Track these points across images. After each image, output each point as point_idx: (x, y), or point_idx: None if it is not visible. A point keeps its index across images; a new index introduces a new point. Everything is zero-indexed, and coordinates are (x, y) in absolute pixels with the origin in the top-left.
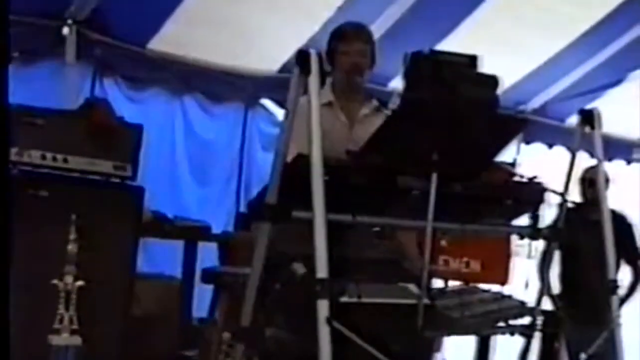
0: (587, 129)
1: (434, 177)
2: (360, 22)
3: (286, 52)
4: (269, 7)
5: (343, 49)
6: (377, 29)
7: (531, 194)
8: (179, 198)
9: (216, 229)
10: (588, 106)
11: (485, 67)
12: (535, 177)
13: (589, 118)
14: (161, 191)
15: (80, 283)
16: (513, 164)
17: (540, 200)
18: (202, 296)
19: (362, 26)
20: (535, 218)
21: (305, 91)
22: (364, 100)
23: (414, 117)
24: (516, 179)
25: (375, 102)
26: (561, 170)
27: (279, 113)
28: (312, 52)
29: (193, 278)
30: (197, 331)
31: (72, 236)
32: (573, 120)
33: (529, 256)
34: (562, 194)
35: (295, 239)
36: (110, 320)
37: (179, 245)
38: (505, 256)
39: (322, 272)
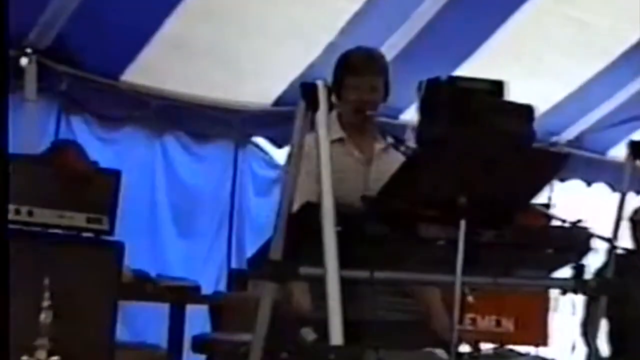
0: (639, 163)
1: (462, 224)
2: (371, 48)
3: (281, 83)
4: (261, 32)
5: (352, 83)
6: (386, 53)
7: (574, 240)
8: (161, 253)
9: (206, 289)
10: (634, 136)
11: (512, 94)
12: (579, 221)
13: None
14: (140, 246)
15: (55, 358)
16: (548, 206)
17: (585, 247)
18: None
19: (374, 54)
20: (579, 269)
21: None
22: (377, 133)
23: (436, 156)
24: (556, 223)
25: (389, 139)
26: (602, 211)
27: (274, 153)
28: (320, 84)
29: (181, 347)
30: None
31: (46, 303)
32: (615, 152)
33: (573, 312)
34: (611, 240)
35: (304, 299)
36: None
37: (163, 308)
38: (542, 313)
39: (336, 338)
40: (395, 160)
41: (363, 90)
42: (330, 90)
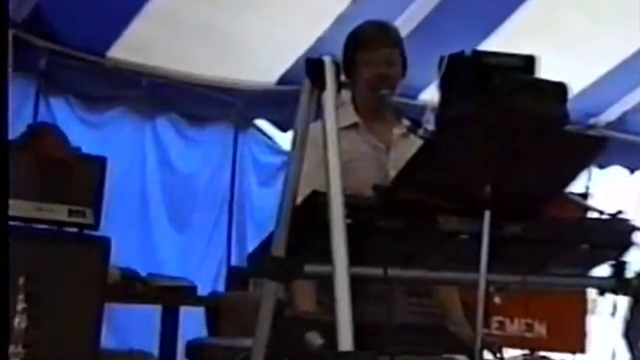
0: None
1: (487, 216)
2: (382, 20)
3: (286, 59)
4: (263, 2)
5: (365, 59)
6: (404, 25)
7: (614, 234)
8: (152, 250)
9: (202, 290)
10: None
11: (544, 71)
12: (619, 212)
13: None
14: (130, 242)
15: None
16: (586, 195)
17: (627, 242)
18: None
19: (387, 26)
20: (620, 266)
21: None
22: (394, 117)
23: (457, 140)
24: (593, 215)
25: (406, 122)
26: None
27: (279, 137)
28: (327, 59)
29: (174, 354)
30: None
31: (20, 306)
32: None
33: (613, 315)
34: None
35: (307, 300)
36: None
37: (154, 311)
38: (579, 315)
39: (345, 343)
40: (415, 146)
41: (378, 65)
42: (338, 67)
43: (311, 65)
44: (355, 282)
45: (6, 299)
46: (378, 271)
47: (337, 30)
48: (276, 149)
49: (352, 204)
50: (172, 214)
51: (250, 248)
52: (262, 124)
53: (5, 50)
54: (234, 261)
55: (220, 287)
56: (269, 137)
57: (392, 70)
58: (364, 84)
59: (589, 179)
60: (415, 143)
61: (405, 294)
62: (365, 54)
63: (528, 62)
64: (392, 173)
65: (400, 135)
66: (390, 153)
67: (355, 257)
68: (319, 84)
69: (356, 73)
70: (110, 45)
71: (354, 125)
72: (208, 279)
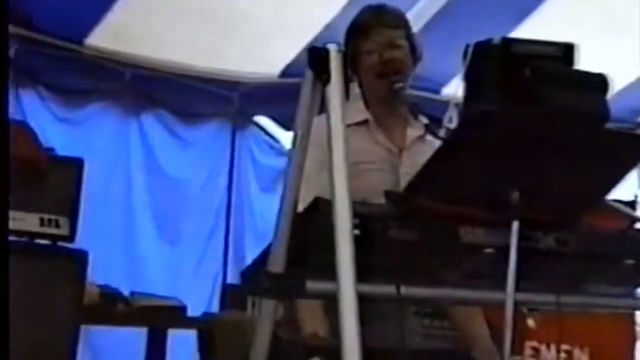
0: None
1: (515, 226)
2: (381, 2)
3: (290, 48)
4: None
5: (366, 46)
6: (424, 9)
7: None
8: (137, 265)
9: (194, 310)
10: None
11: (584, 61)
12: None
13: None
14: (111, 256)
15: None
16: (633, 204)
17: None
18: None
19: (384, 7)
20: None
21: (323, 107)
22: (409, 115)
23: (482, 139)
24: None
25: (423, 120)
26: None
27: (282, 136)
28: (332, 48)
29: None
30: None
31: None
32: None
33: None
34: None
35: (313, 321)
36: None
37: (139, 335)
38: (625, 342)
39: None
40: (425, 154)
41: (379, 49)
42: (346, 56)
43: (314, 54)
44: (364, 302)
45: (6, 299)
46: (390, 289)
47: (347, 16)
48: (279, 150)
49: (361, 213)
50: (160, 224)
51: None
52: (264, 121)
53: (6, 50)
54: (230, 278)
55: (215, 308)
56: (272, 136)
57: (397, 53)
58: (368, 72)
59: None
60: (433, 146)
61: (416, 314)
62: (366, 41)
63: (566, 51)
64: (404, 180)
65: (416, 137)
66: (402, 156)
67: (363, 273)
68: (322, 76)
69: (359, 65)
70: (89, 32)
71: (364, 123)
72: (201, 298)
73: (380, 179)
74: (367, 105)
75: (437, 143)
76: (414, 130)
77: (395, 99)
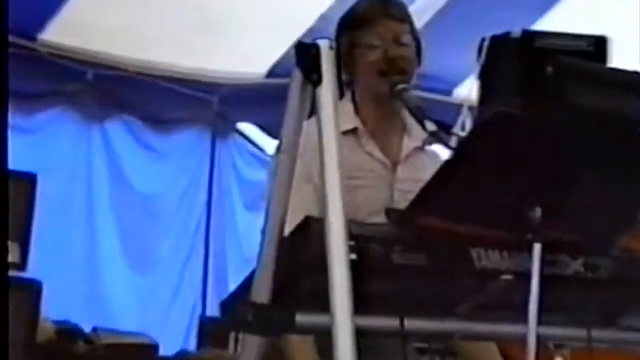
0: None
1: (537, 249)
2: None
3: (279, 44)
4: None
5: (370, 40)
6: (432, 2)
7: None
8: (102, 297)
9: (168, 349)
10: None
11: (618, 56)
12: None
13: None
14: (71, 286)
15: None
16: None
17: None
18: None
19: None
20: None
21: (313, 110)
22: (407, 121)
23: (498, 148)
24: None
25: (431, 126)
26: None
27: (269, 145)
28: (323, 44)
29: None
30: None
31: None
32: None
33: None
34: None
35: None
36: None
37: None
38: None
39: None
40: (435, 163)
41: (384, 45)
42: (339, 53)
43: (302, 52)
44: (362, 337)
45: (6, 299)
46: (392, 322)
47: (343, 7)
48: (266, 162)
49: (359, 234)
50: (129, 249)
51: None
52: (248, 128)
53: (6, 51)
54: (210, 310)
55: (192, 345)
56: (257, 146)
57: (404, 51)
58: (369, 70)
59: None
60: (434, 158)
61: (422, 352)
62: (368, 33)
63: (598, 45)
64: (400, 198)
65: (413, 149)
66: (397, 171)
67: (362, 303)
68: (313, 77)
69: (356, 60)
70: (45, 26)
71: (353, 132)
72: (176, 334)
73: (372, 198)
74: (357, 110)
75: (441, 154)
76: (411, 141)
77: (395, 102)
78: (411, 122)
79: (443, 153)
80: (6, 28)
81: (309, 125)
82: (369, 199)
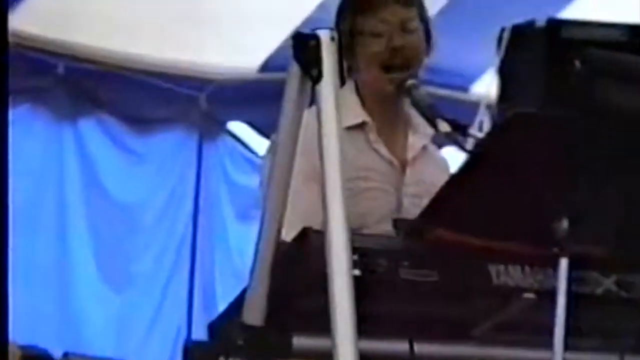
0: None
1: (564, 265)
2: None
3: (272, 37)
4: None
5: (373, 27)
6: None
7: None
8: (74, 317)
9: None
10: None
11: None
12: None
13: None
14: (39, 306)
15: None
16: None
17: None
18: None
19: None
20: None
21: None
22: (411, 119)
23: (519, 151)
24: None
25: (444, 125)
26: None
27: (262, 147)
28: (324, 35)
29: None
30: None
31: None
32: None
33: None
34: None
35: None
36: None
37: None
38: None
39: None
40: (440, 164)
41: (390, 30)
42: (341, 44)
43: (300, 43)
44: None
45: (6, 299)
46: (400, 346)
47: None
48: (259, 165)
49: (362, 247)
50: (104, 263)
51: None
52: (239, 128)
53: (6, 51)
54: (196, 332)
55: None
56: (249, 148)
57: (410, 39)
58: (371, 61)
59: None
60: (436, 160)
61: None
62: (370, 19)
63: (633, 34)
64: (409, 203)
65: (420, 148)
66: (406, 173)
67: (366, 324)
68: (312, 72)
69: (358, 49)
70: (9, 13)
71: (359, 126)
72: (157, 359)
73: (381, 201)
74: (364, 103)
75: (443, 156)
76: (417, 139)
77: (401, 98)
78: (416, 117)
79: (457, 156)
80: (6, 28)
81: (309, 116)
82: (377, 203)
